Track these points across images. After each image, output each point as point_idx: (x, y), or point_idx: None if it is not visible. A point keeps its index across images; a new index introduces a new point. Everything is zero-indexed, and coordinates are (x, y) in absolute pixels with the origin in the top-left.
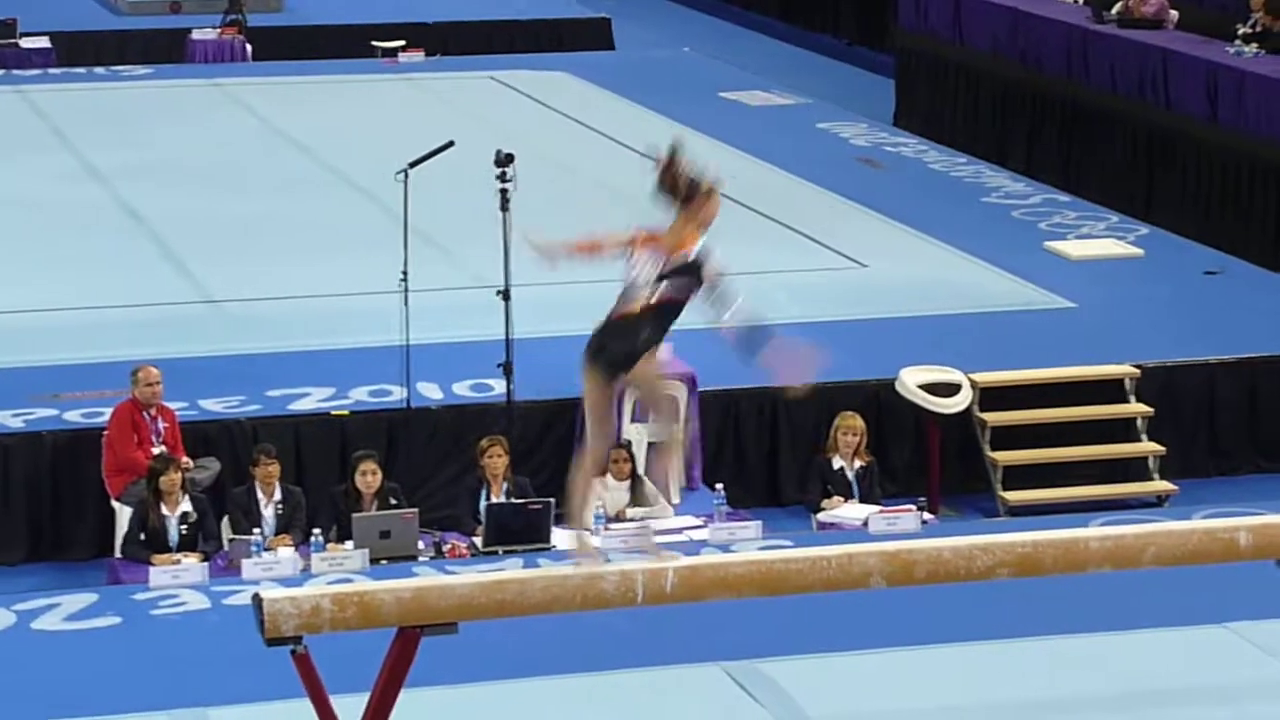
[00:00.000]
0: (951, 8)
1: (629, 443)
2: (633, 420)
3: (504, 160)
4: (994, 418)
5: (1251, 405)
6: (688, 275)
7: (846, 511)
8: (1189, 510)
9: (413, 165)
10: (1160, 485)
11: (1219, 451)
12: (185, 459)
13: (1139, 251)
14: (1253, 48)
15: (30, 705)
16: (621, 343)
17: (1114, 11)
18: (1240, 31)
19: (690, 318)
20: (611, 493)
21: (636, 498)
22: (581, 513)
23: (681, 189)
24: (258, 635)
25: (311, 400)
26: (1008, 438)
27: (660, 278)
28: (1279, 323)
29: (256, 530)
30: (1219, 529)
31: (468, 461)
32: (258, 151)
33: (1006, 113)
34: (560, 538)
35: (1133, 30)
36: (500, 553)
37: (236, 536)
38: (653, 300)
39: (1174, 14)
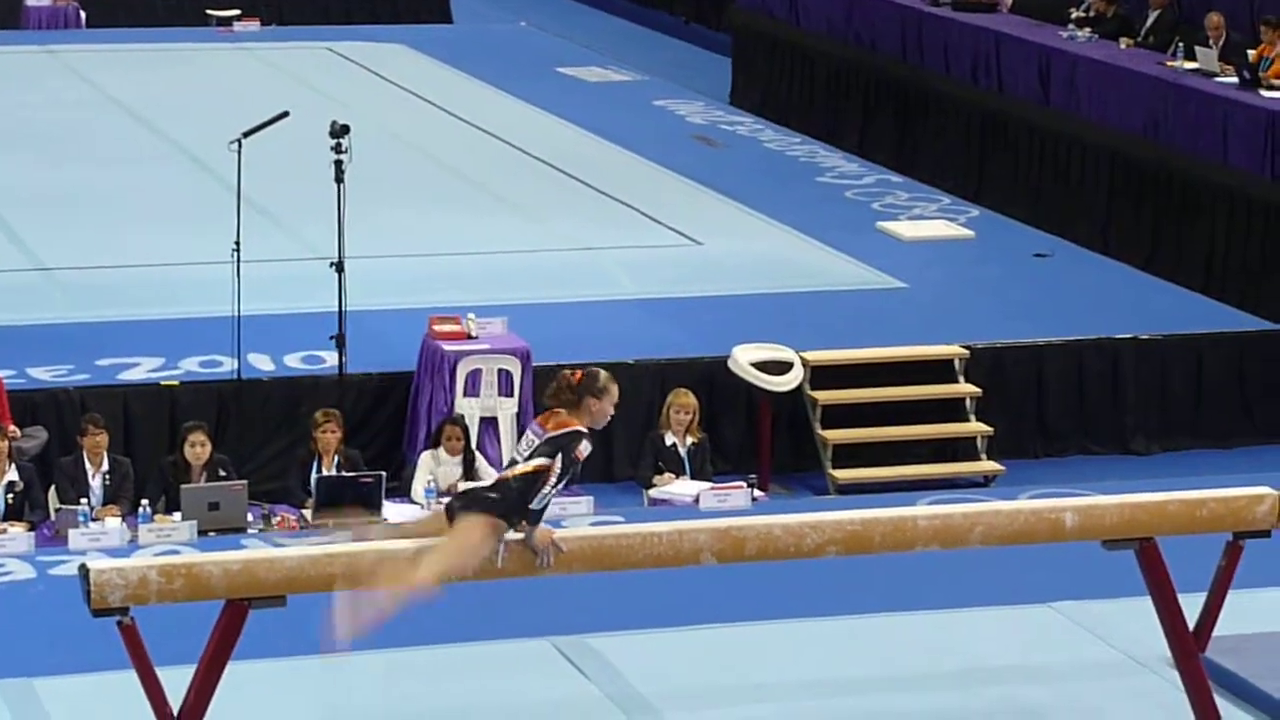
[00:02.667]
0: None
1: (462, 417)
2: (465, 395)
3: (339, 131)
4: (825, 396)
5: (1079, 387)
6: (551, 454)
7: (678, 488)
8: (1016, 490)
9: (246, 135)
10: (988, 465)
11: (1046, 432)
12: (12, 427)
13: (970, 233)
14: (1086, 32)
15: None
16: (470, 500)
17: None
18: (1074, 16)
19: (530, 293)
20: (444, 467)
21: (469, 473)
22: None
23: (575, 388)
24: (84, 606)
25: (141, 370)
26: (838, 416)
27: (528, 454)
28: (1106, 305)
29: (84, 500)
30: (1045, 509)
31: (298, 434)
32: (91, 120)
33: (841, 93)
34: (391, 511)
35: (967, 13)
36: (330, 526)
37: (63, 506)
38: (513, 471)
39: None
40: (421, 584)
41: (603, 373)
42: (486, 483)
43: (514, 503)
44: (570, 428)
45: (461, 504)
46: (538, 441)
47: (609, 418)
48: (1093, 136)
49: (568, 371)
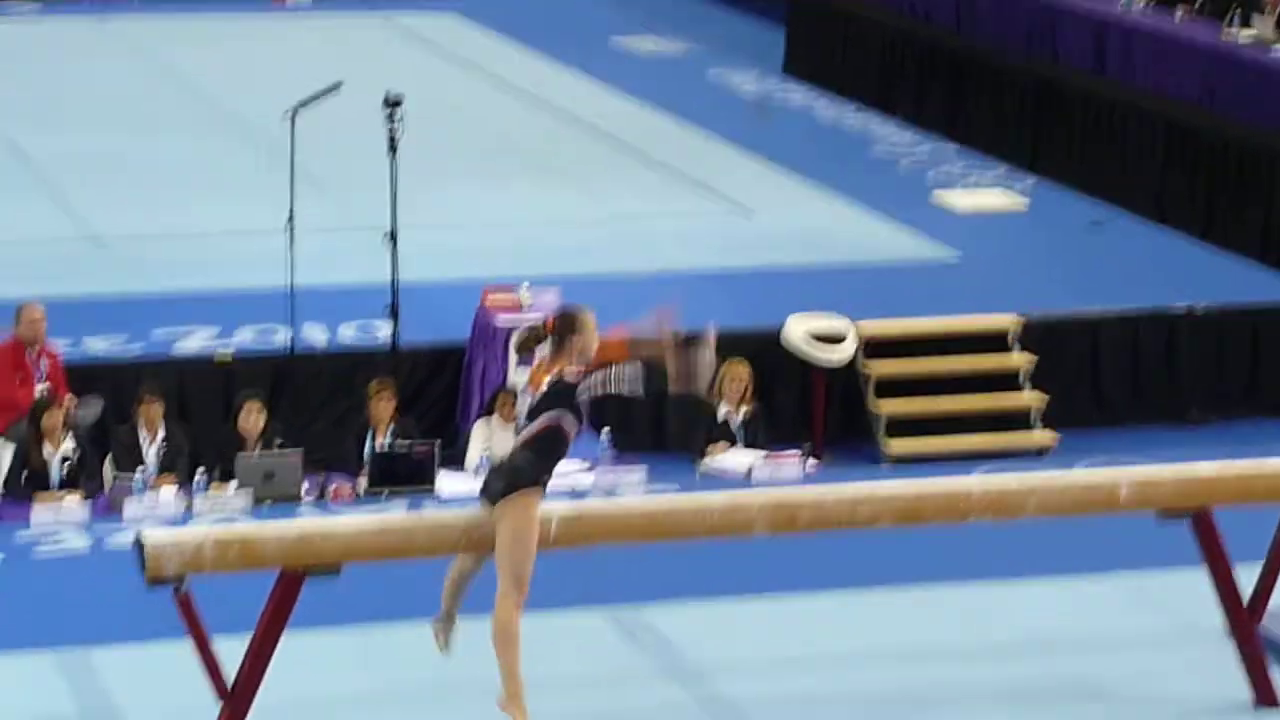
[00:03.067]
0: None
1: (515, 387)
2: (519, 365)
3: (393, 102)
4: (878, 368)
5: (1133, 357)
6: (554, 407)
7: (731, 459)
8: (1070, 461)
9: (300, 106)
10: (1042, 437)
11: (1101, 403)
12: (68, 398)
13: (1025, 203)
14: (1141, 2)
15: None
16: (498, 479)
17: None
18: None
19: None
20: (498, 435)
21: None
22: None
23: (548, 335)
24: (140, 576)
25: (196, 341)
26: (892, 388)
27: (529, 414)
28: (1161, 275)
29: (139, 470)
30: (1100, 480)
31: (353, 404)
32: (145, 90)
33: (896, 63)
34: (445, 482)
35: None
36: (385, 495)
37: (119, 476)
38: (525, 437)
39: None
40: (515, 587)
41: (576, 310)
42: (508, 456)
43: (540, 465)
44: (551, 375)
45: (497, 484)
46: (532, 402)
47: (594, 348)
48: (1148, 105)
49: (536, 324)
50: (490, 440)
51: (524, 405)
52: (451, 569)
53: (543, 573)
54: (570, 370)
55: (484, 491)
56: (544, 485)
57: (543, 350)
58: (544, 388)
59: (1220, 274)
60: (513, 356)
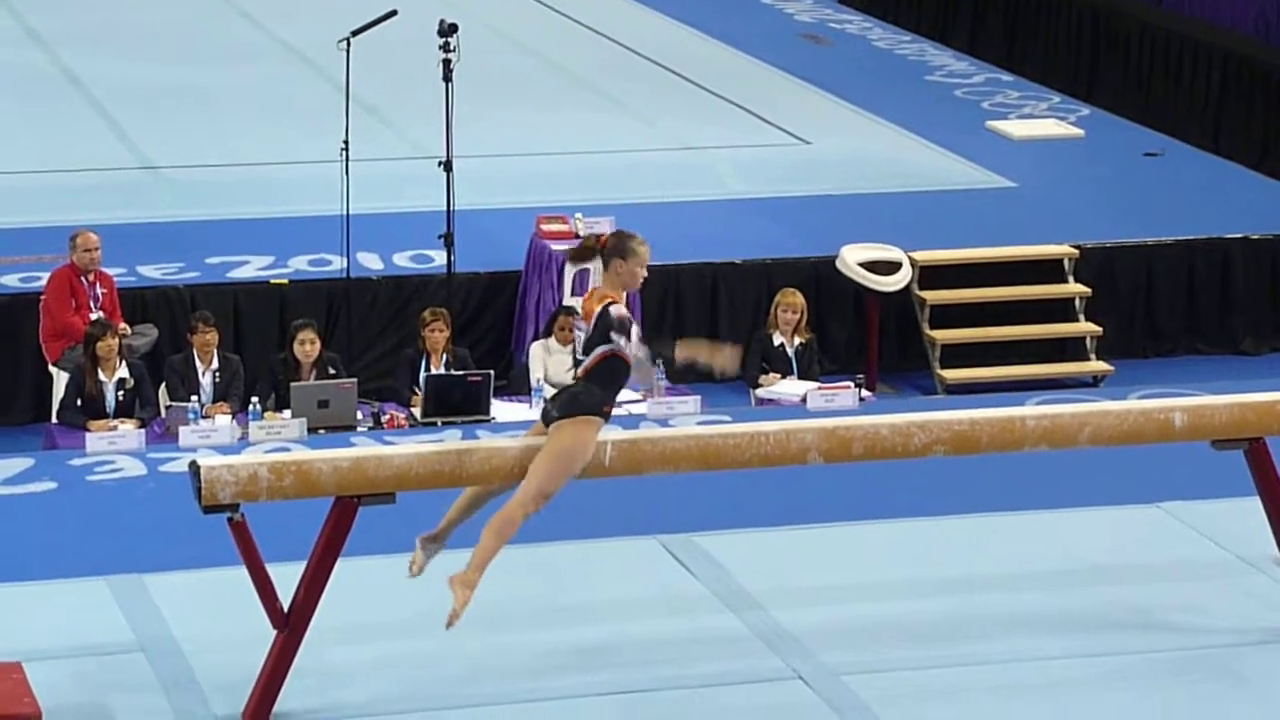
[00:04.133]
0: None
1: (573, 308)
2: (573, 294)
3: (447, 30)
4: (933, 296)
5: (1189, 287)
6: (602, 340)
7: (785, 388)
8: (1125, 391)
9: (355, 34)
10: (1097, 365)
11: (1156, 333)
12: (123, 325)
13: (1080, 132)
14: None
15: None
16: (560, 402)
17: None
18: None
19: (637, 193)
20: (555, 356)
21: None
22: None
23: (599, 251)
24: (195, 502)
25: (251, 269)
26: (946, 316)
27: (584, 348)
28: (1217, 205)
29: (194, 398)
30: (1154, 409)
31: (407, 333)
32: (200, 18)
33: None
34: (500, 410)
35: None
36: (439, 424)
37: (174, 403)
38: (584, 369)
39: None
40: (536, 498)
41: (633, 235)
42: (571, 382)
43: (600, 395)
44: (600, 307)
45: (556, 408)
46: (585, 335)
47: (640, 281)
48: (1204, 36)
49: (595, 233)
50: (548, 361)
51: (578, 335)
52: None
53: (597, 500)
54: (620, 306)
55: (543, 417)
56: (605, 416)
57: (595, 269)
58: (594, 319)
59: (1276, 203)
60: (568, 283)
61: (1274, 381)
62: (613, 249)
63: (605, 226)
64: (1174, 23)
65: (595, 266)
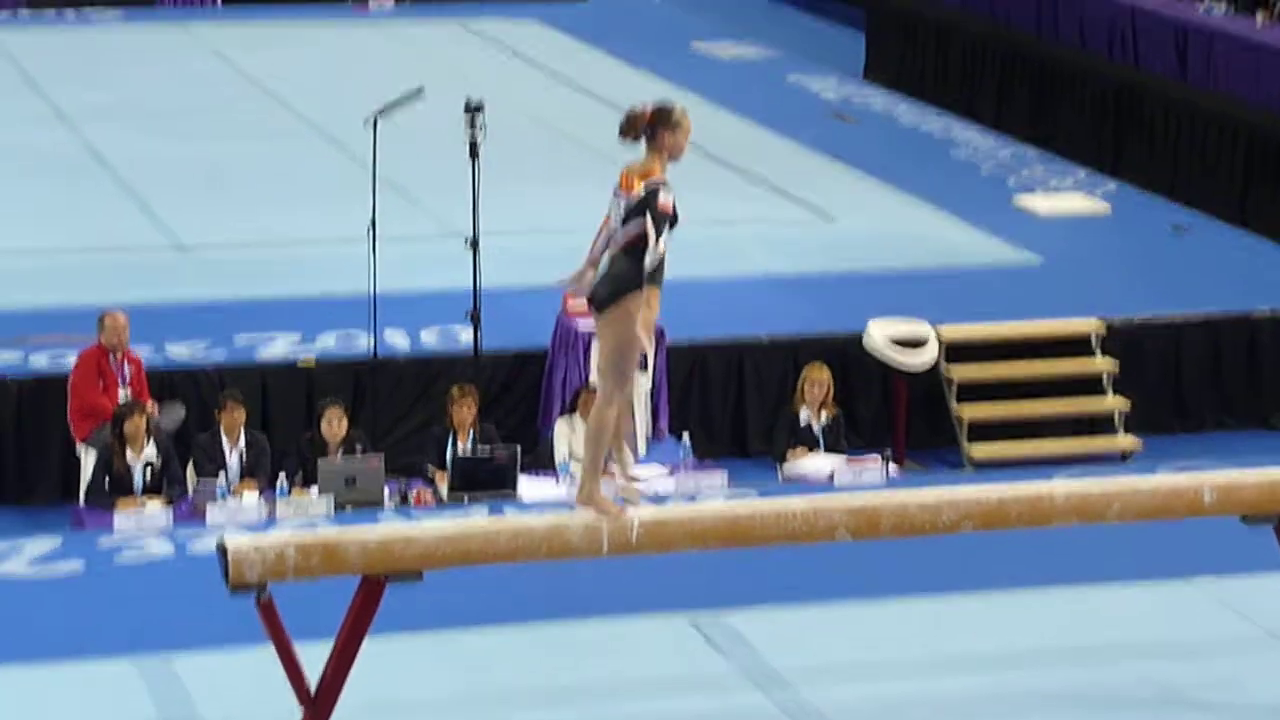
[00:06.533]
0: None
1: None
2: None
3: (474, 108)
4: (960, 372)
5: (1216, 361)
6: (640, 213)
7: (812, 463)
8: (1154, 466)
9: (381, 112)
10: (1125, 440)
11: (1184, 407)
12: (150, 404)
13: (1106, 207)
14: (1222, 6)
15: None
16: (602, 286)
17: None
18: None
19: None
20: (580, 433)
21: None
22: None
23: (644, 125)
24: (222, 581)
25: (278, 347)
26: (974, 392)
27: (623, 220)
28: (1244, 280)
29: (221, 476)
30: (1184, 485)
31: (434, 410)
32: (227, 97)
33: (976, 67)
34: (527, 487)
35: None
36: (466, 501)
37: (201, 482)
38: (620, 243)
39: None
40: (611, 398)
41: (676, 105)
42: (609, 263)
43: (634, 273)
44: (648, 179)
45: (603, 290)
46: (623, 207)
47: (684, 152)
48: (1229, 110)
49: (638, 106)
50: (572, 438)
51: (616, 208)
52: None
53: (625, 577)
54: (668, 194)
55: (590, 300)
56: (641, 284)
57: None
58: (639, 191)
59: None
60: (594, 362)
61: None
62: (657, 120)
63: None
64: (1199, 97)
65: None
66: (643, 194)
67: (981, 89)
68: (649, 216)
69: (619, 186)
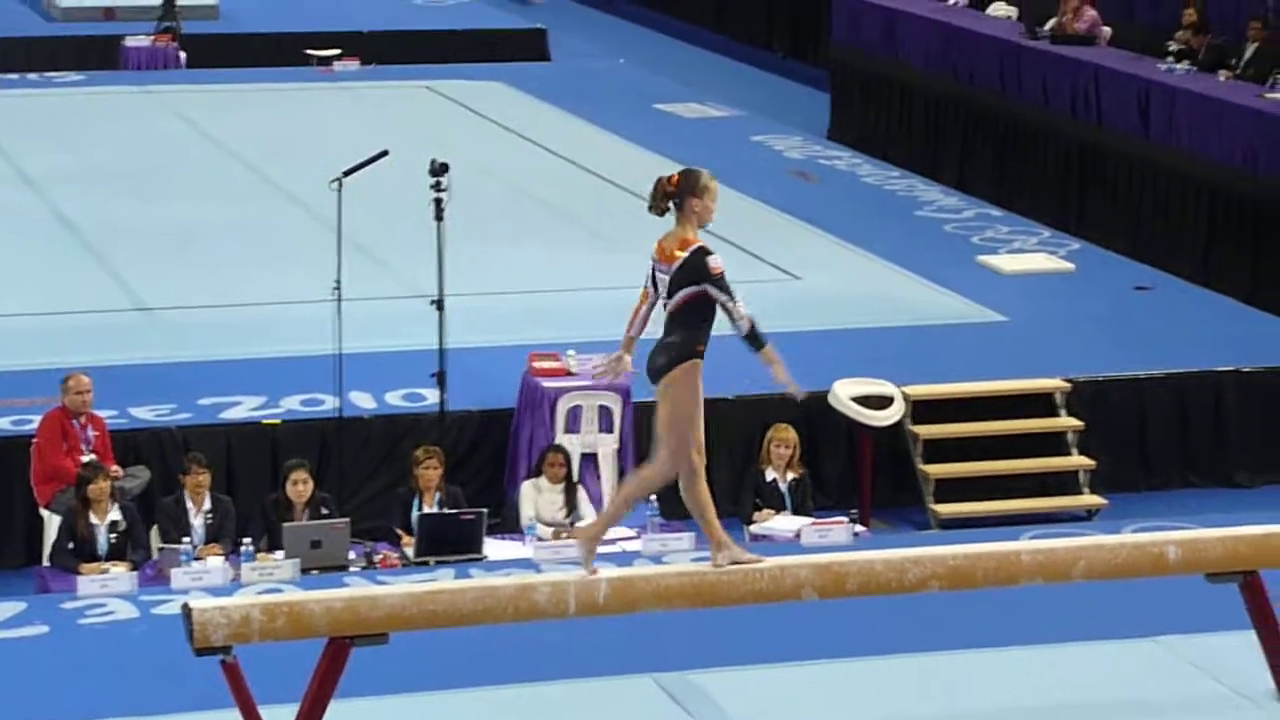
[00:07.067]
0: (885, 22)
1: (563, 446)
2: (565, 431)
3: (439, 170)
4: (926, 431)
5: (1181, 420)
6: (693, 282)
7: (779, 524)
8: (1119, 524)
9: (347, 174)
10: (1090, 499)
11: (1149, 466)
12: (114, 467)
13: (1070, 266)
14: (1184, 65)
15: None
16: (657, 356)
17: (1047, 28)
18: (1172, 49)
19: (620, 330)
20: (545, 495)
21: (571, 502)
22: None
23: (671, 192)
24: (187, 645)
25: (243, 409)
26: (940, 451)
27: (669, 290)
28: (1208, 338)
29: (186, 539)
30: (1148, 543)
31: (400, 471)
32: (191, 159)
33: (940, 127)
34: (493, 549)
35: (1065, 46)
36: (432, 563)
37: (166, 546)
38: (672, 311)
39: (1107, 30)
40: (676, 457)
41: (703, 171)
42: (664, 333)
43: (690, 340)
44: (690, 247)
45: (660, 360)
46: (669, 275)
47: (713, 215)
48: (1192, 169)
49: (664, 176)
50: (538, 500)
51: (660, 278)
52: (684, 497)
53: (591, 638)
54: (718, 258)
55: (648, 370)
56: (701, 355)
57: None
58: (682, 259)
59: (1266, 336)
60: (560, 420)
61: (1268, 514)
62: (685, 188)
63: (598, 362)
64: (1162, 155)
65: (585, 403)
66: (688, 261)
67: (945, 148)
68: (712, 286)
69: (657, 259)
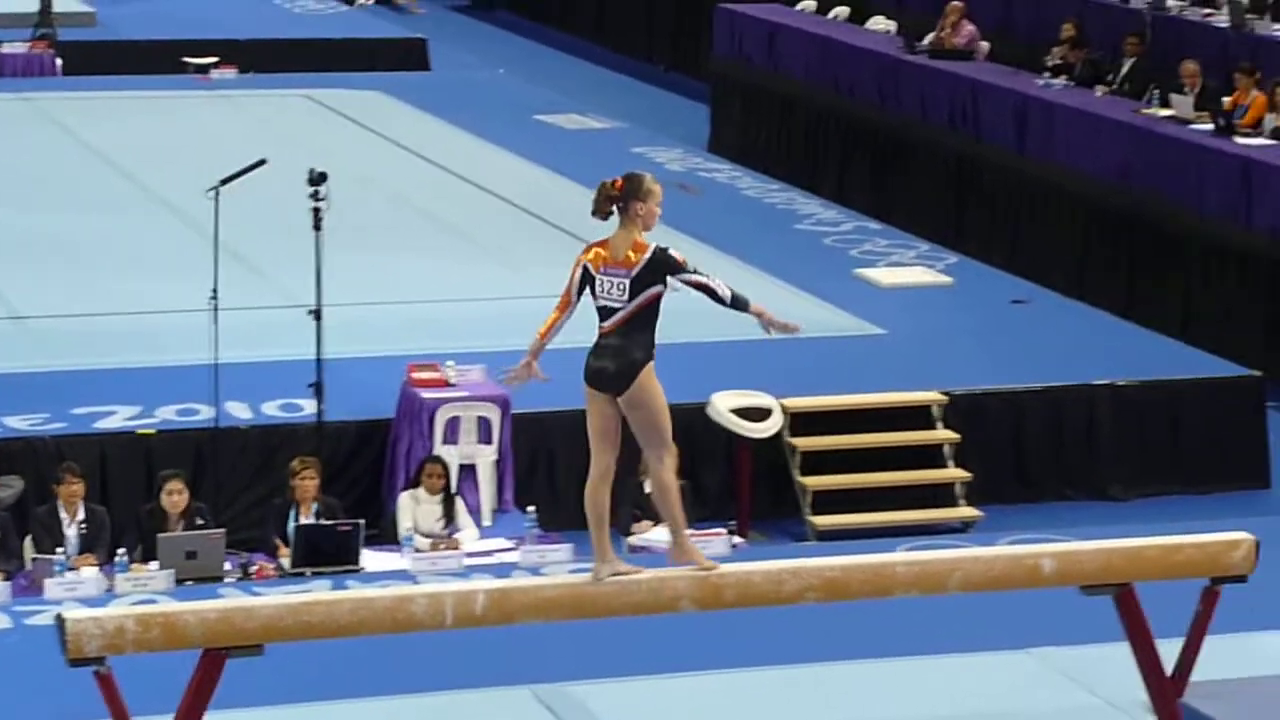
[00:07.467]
0: (766, 36)
1: (440, 458)
2: (444, 442)
3: (317, 179)
4: (804, 443)
5: (1057, 433)
6: (655, 276)
7: (657, 535)
8: (994, 536)
9: (224, 183)
10: (966, 511)
11: (1024, 479)
12: None
13: (948, 279)
14: (1061, 80)
15: None
16: (617, 360)
17: (926, 42)
18: (1049, 64)
19: (508, 340)
20: (424, 506)
21: (449, 513)
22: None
23: (615, 196)
24: (61, 655)
25: (118, 418)
26: (818, 463)
27: (632, 290)
28: (1083, 351)
29: (60, 550)
30: (1023, 555)
31: (276, 482)
32: (67, 166)
33: (819, 141)
34: (370, 560)
35: (944, 60)
36: (309, 574)
37: (39, 556)
38: (631, 311)
39: (985, 45)
40: (663, 453)
41: (645, 175)
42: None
43: (647, 344)
44: (648, 248)
45: (613, 369)
46: (630, 277)
47: (656, 220)
48: (1069, 183)
49: (607, 180)
50: (415, 511)
51: (608, 282)
52: (589, 499)
53: (467, 650)
54: (674, 252)
55: (598, 381)
56: (653, 355)
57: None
58: (645, 259)
59: (1141, 350)
60: (439, 431)
61: (1141, 527)
62: (629, 192)
63: (477, 375)
64: (1038, 170)
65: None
66: (653, 260)
67: (825, 161)
68: (686, 273)
69: (605, 265)
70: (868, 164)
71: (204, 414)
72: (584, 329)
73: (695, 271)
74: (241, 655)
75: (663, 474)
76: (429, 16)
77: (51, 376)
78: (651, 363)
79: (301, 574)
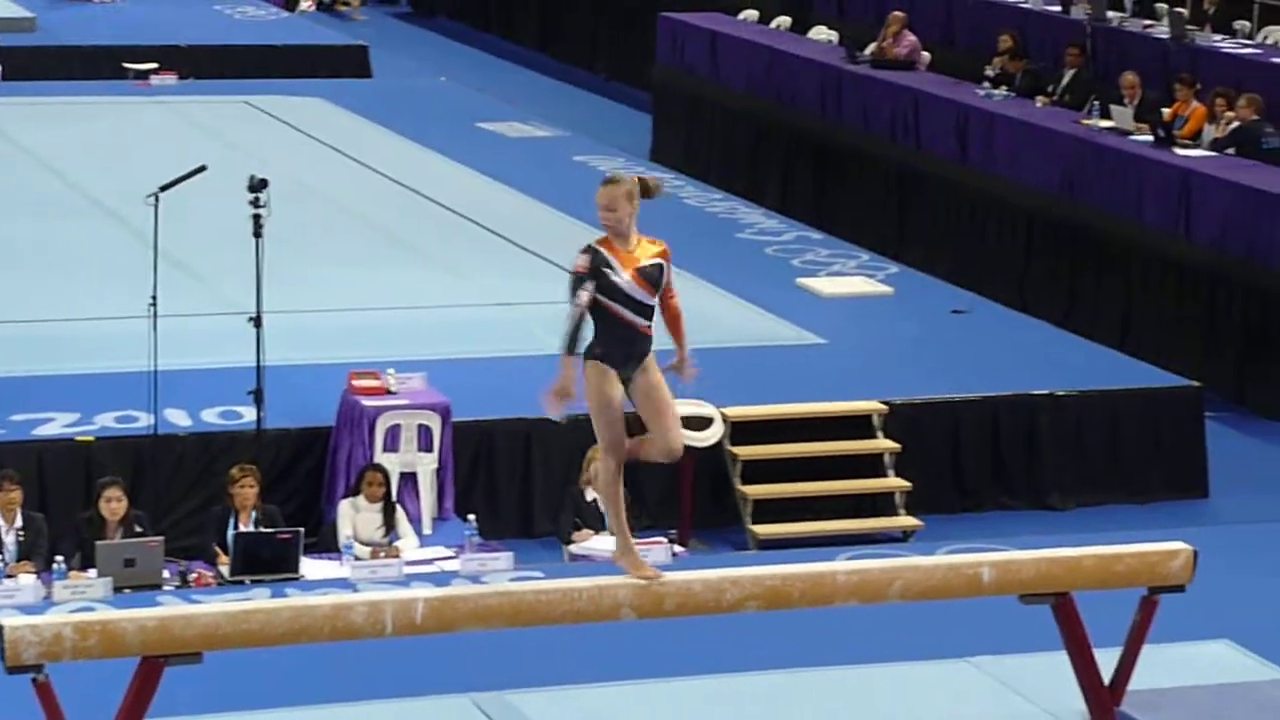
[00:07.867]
0: (708, 45)
1: (381, 465)
2: (385, 450)
3: (257, 186)
4: (745, 452)
5: (996, 443)
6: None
7: (598, 543)
8: (934, 546)
9: (164, 189)
10: (906, 521)
11: (964, 488)
12: None
13: (889, 289)
14: (1002, 90)
15: None
16: (631, 346)
17: (867, 52)
18: (989, 74)
19: (449, 348)
20: (363, 514)
21: (389, 521)
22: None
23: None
24: None
25: (55, 425)
26: (758, 472)
27: (646, 282)
28: (1023, 361)
29: None
30: (963, 564)
31: (216, 489)
32: (5, 173)
33: (761, 150)
34: (310, 569)
35: (885, 71)
36: (248, 582)
37: None
38: (644, 305)
39: (926, 55)
40: (604, 455)
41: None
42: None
43: (570, 332)
44: (655, 249)
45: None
46: (666, 273)
47: (606, 220)
48: (1009, 194)
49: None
50: (355, 519)
51: (646, 278)
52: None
53: (408, 658)
54: (583, 257)
55: (602, 358)
56: (591, 353)
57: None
58: (654, 259)
59: (1080, 360)
60: (379, 439)
61: (1080, 536)
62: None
63: (418, 383)
64: (979, 180)
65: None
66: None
67: (766, 171)
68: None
69: (639, 265)
70: (810, 173)
71: (143, 421)
72: (526, 339)
73: (581, 288)
74: (180, 663)
75: (603, 473)
76: (370, 23)
77: None
78: (590, 360)
79: (241, 582)
